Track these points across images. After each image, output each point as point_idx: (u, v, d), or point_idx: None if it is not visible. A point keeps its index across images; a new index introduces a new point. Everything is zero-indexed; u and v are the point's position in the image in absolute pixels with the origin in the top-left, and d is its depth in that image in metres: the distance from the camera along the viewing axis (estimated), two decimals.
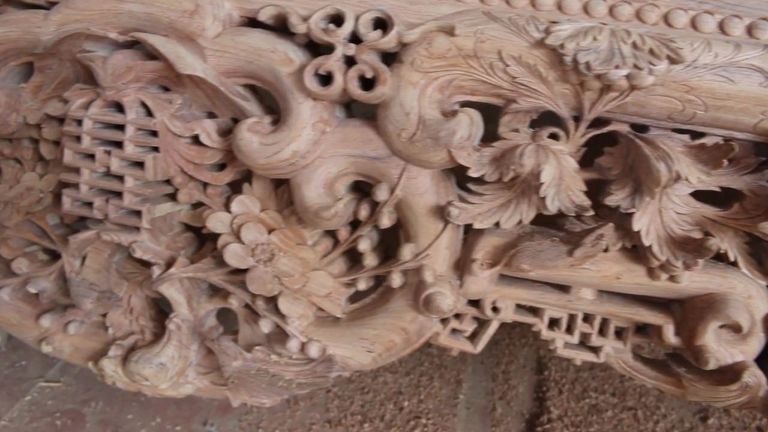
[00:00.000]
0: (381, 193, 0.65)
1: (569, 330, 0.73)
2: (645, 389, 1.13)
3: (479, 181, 0.65)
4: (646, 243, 0.64)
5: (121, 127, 0.70)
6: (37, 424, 1.02)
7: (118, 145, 0.71)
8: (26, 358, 1.15)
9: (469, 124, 0.61)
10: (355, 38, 0.63)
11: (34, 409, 1.05)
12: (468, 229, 0.69)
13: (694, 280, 0.67)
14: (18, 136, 0.81)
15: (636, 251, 0.67)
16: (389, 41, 0.61)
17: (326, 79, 0.63)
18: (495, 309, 0.72)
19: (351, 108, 0.71)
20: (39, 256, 0.87)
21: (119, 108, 0.71)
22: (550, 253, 0.64)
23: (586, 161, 0.66)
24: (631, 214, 0.63)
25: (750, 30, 0.60)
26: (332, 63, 0.61)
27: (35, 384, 1.10)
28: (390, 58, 0.64)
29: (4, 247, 0.85)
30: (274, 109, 0.70)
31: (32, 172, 0.82)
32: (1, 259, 0.87)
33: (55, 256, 0.86)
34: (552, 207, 0.62)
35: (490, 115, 0.66)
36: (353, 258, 0.75)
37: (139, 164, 0.71)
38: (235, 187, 0.75)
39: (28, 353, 1.16)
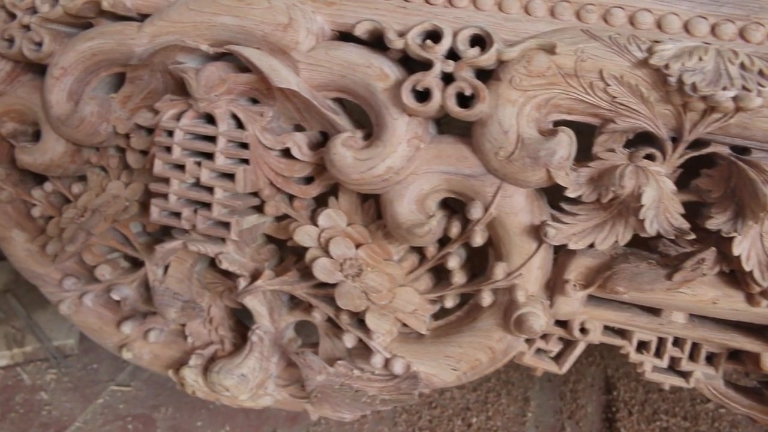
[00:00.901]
0: (475, 211, 0.64)
1: (658, 353, 0.71)
2: (718, 414, 1.10)
3: (573, 200, 0.64)
4: (747, 268, 0.62)
5: (211, 139, 0.71)
6: (110, 427, 1.03)
7: (208, 156, 0.72)
8: (98, 361, 1.17)
9: (569, 143, 0.61)
10: (451, 54, 0.63)
11: (106, 413, 1.06)
12: (559, 248, 0.68)
13: None
14: (105, 145, 0.82)
15: (734, 276, 0.65)
16: (488, 58, 0.60)
17: (422, 95, 0.62)
18: (583, 330, 0.71)
19: (440, 123, 0.70)
20: (121, 264, 0.88)
21: (210, 119, 0.72)
22: (648, 277, 0.62)
23: (681, 183, 0.64)
24: (730, 238, 0.62)
25: None
26: (430, 79, 0.61)
27: (107, 387, 1.11)
28: (484, 75, 0.63)
29: (88, 254, 0.86)
30: (362, 123, 0.71)
31: (118, 181, 0.83)
32: (84, 265, 0.89)
33: (136, 263, 0.87)
34: (651, 229, 0.61)
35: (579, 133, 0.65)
36: (439, 274, 0.74)
37: (229, 176, 0.71)
38: (319, 200, 0.75)
39: (99, 356, 1.18)
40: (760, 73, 0.57)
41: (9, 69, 0.82)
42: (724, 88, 0.56)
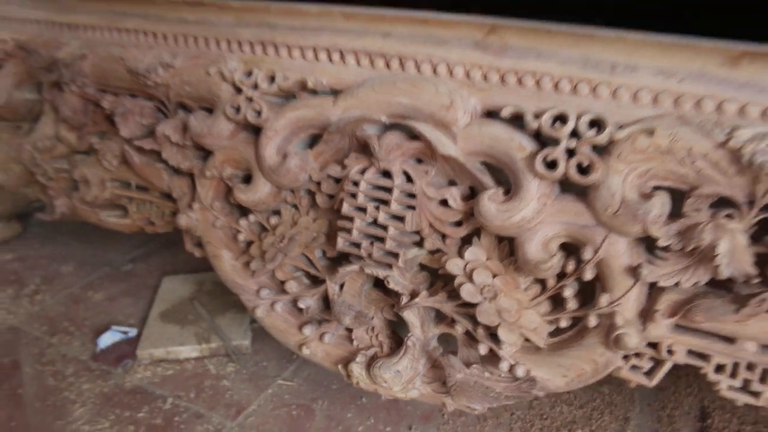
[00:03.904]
0: (587, 253, 0.85)
1: (733, 375, 0.89)
2: None
3: (665, 248, 0.83)
4: None
5: (387, 189, 0.95)
6: (278, 412, 1.29)
7: (384, 202, 0.95)
8: (266, 360, 1.43)
9: (662, 205, 0.80)
10: (573, 132, 0.84)
11: (275, 401, 1.32)
12: (652, 285, 0.87)
13: None
14: (298, 188, 1.07)
15: None
16: (603, 138, 0.81)
17: (551, 164, 0.84)
18: (670, 351, 0.89)
19: (563, 184, 0.91)
20: (303, 280, 1.13)
21: (386, 174, 0.95)
22: (721, 310, 0.80)
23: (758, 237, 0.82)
24: None
25: None
26: (558, 153, 0.82)
27: (275, 381, 1.37)
28: (599, 149, 0.84)
29: (280, 272, 1.12)
30: (500, 180, 0.92)
31: (307, 216, 1.08)
32: (274, 280, 1.14)
33: (315, 281, 1.12)
34: (724, 273, 0.79)
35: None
36: (556, 302, 0.94)
37: (399, 218, 0.94)
38: (464, 240, 0.97)
39: (267, 356, 1.44)
40: None
41: (232, 128, 1.09)
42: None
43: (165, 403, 1.30)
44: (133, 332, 1.50)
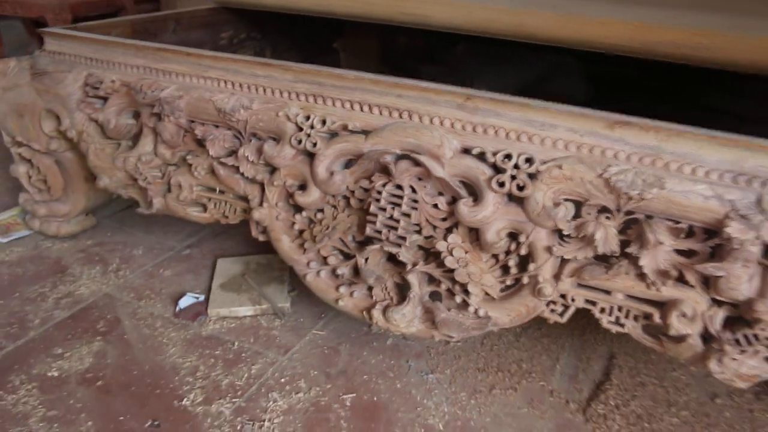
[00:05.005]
0: (522, 238, 1.39)
1: (610, 314, 1.43)
2: (677, 376, 1.79)
3: (568, 235, 1.38)
4: (647, 272, 1.34)
5: (399, 197, 1.49)
6: (314, 351, 1.83)
7: (397, 205, 1.49)
8: (303, 317, 1.97)
9: (566, 210, 1.34)
10: (515, 165, 1.38)
11: (311, 344, 1.86)
12: (562, 258, 1.42)
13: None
14: (338, 194, 1.61)
15: (643, 275, 1.37)
16: (532, 169, 1.35)
17: (501, 184, 1.38)
18: (573, 299, 1.44)
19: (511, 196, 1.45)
20: (339, 256, 1.67)
21: (399, 187, 1.49)
22: (598, 272, 1.36)
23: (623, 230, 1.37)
24: (638, 257, 1.34)
25: None
26: (506, 178, 1.37)
27: (310, 331, 1.91)
28: (529, 175, 1.38)
29: (324, 250, 1.66)
30: (471, 192, 1.46)
31: (343, 213, 1.62)
32: (319, 255, 1.68)
33: (347, 256, 1.66)
34: (602, 250, 1.34)
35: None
36: (504, 268, 1.49)
37: (407, 215, 1.48)
38: (448, 230, 1.51)
39: (303, 314, 1.98)
40: (650, 183, 1.29)
41: (294, 153, 1.62)
42: (636, 190, 1.29)
43: (233, 345, 1.83)
44: (202, 297, 2.03)
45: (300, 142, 1.58)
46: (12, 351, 1.79)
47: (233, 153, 1.73)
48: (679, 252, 1.32)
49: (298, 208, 1.69)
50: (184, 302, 1.98)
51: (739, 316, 1.31)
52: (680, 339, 1.36)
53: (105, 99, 1.97)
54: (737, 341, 1.30)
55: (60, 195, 2.32)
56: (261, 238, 1.78)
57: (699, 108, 4.06)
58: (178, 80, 1.83)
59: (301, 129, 1.59)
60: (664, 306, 1.37)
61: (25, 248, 2.35)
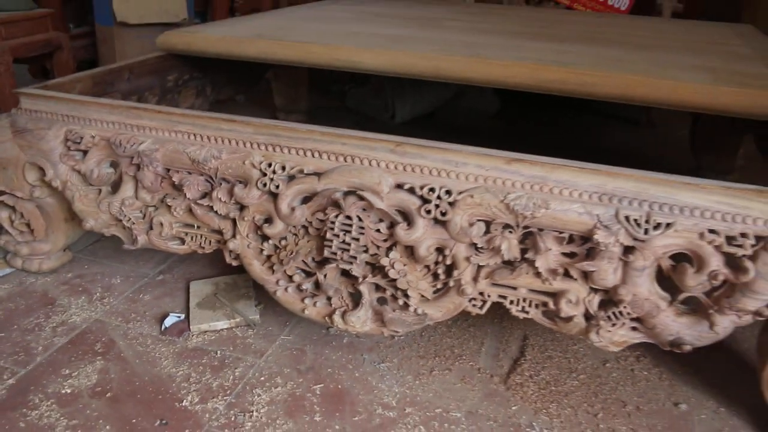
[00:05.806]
0: (447, 252, 1.81)
1: (517, 304, 1.86)
2: (578, 349, 2.25)
3: (482, 247, 1.79)
4: (541, 269, 1.77)
5: (349, 225, 1.88)
6: (285, 353, 2.19)
7: (348, 231, 1.88)
8: (271, 325, 2.33)
9: (479, 229, 1.76)
10: (438, 196, 1.79)
11: (281, 347, 2.22)
12: (478, 265, 1.84)
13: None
14: (298, 225, 2.00)
15: (539, 274, 1.80)
16: (451, 199, 1.76)
17: (428, 211, 1.79)
18: (489, 296, 1.86)
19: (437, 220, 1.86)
20: (302, 274, 2.05)
21: (348, 217, 1.88)
22: (505, 274, 1.78)
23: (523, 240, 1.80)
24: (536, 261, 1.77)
25: None
26: (431, 206, 1.77)
27: (278, 337, 2.27)
28: (450, 203, 1.79)
29: (289, 270, 2.04)
30: (406, 218, 1.87)
31: (303, 239, 2.00)
32: (286, 275, 2.06)
33: (309, 274, 2.04)
34: (506, 257, 1.76)
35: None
36: (435, 275, 1.90)
37: (356, 239, 1.88)
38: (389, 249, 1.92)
39: (270, 324, 2.34)
40: (539, 204, 1.72)
41: (260, 194, 1.99)
42: (529, 210, 1.72)
43: (217, 354, 2.19)
44: (183, 316, 2.38)
45: (265, 185, 1.95)
46: (24, 375, 2.10)
47: (207, 195, 2.08)
48: (564, 254, 1.75)
49: (265, 238, 2.06)
50: (169, 321, 2.33)
51: (610, 299, 1.76)
52: (569, 319, 1.80)
53: (85, 152, 2.28)
54: (609, 317, 1.75)
55: (42, 236, 2.62)
56: (234, 263, 2.14)
57: (600, 114, 4.62)
58: (152, 134, 2.14)
59: (264, 174, 1.95)
60: (556, 295, 1.80)
61: (11, 285, 2.62)
